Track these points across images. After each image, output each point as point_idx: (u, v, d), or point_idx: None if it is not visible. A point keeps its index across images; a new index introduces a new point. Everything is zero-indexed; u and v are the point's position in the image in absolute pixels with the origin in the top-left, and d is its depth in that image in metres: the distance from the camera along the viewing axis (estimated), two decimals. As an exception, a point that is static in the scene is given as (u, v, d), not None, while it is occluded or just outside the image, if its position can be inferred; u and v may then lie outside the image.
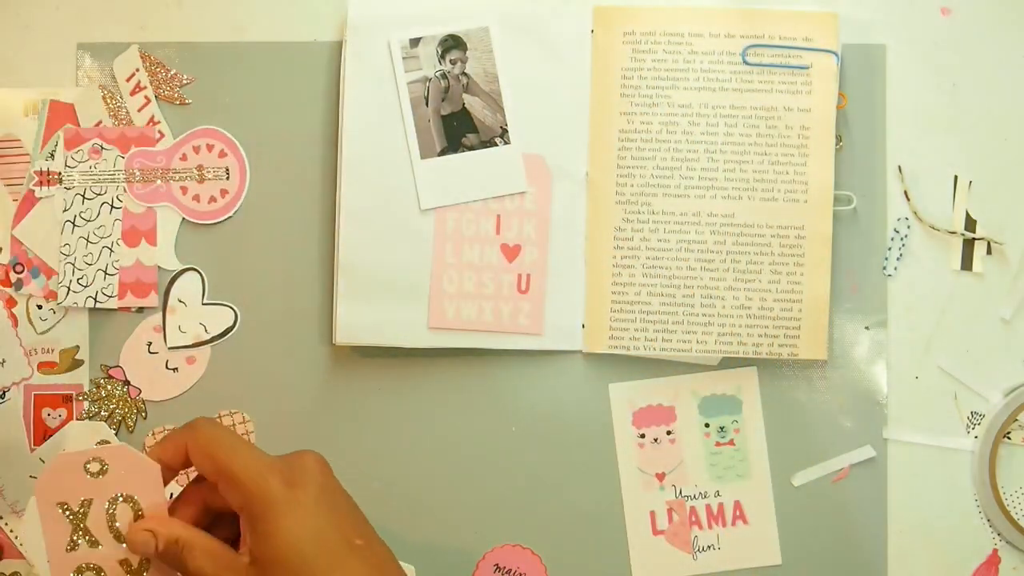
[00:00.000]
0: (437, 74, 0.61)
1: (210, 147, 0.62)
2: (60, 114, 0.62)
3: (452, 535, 0.62)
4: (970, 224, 0.62)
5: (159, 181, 0.62)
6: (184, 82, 0.63)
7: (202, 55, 0.63)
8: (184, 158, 0.62)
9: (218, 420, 0.51)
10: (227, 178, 0.62)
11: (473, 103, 0.60)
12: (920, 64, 0.63)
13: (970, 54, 0.63)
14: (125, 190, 0.62)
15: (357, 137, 0.61)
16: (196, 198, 0.62)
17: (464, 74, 0.61)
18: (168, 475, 0.48)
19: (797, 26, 0.61)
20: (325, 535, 0.46)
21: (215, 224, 0.62)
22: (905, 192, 0.62)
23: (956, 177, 0.62)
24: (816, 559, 0.62)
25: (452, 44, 0.61)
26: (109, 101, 0.62)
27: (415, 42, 0.61)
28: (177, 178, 0.62)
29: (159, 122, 0.62)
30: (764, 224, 0.60)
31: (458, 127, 0.61)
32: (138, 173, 0.61)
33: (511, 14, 0.61)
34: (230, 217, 0.62)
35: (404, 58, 0.61)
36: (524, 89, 0.61)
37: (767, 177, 0.60)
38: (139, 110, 0.62)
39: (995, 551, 0.62)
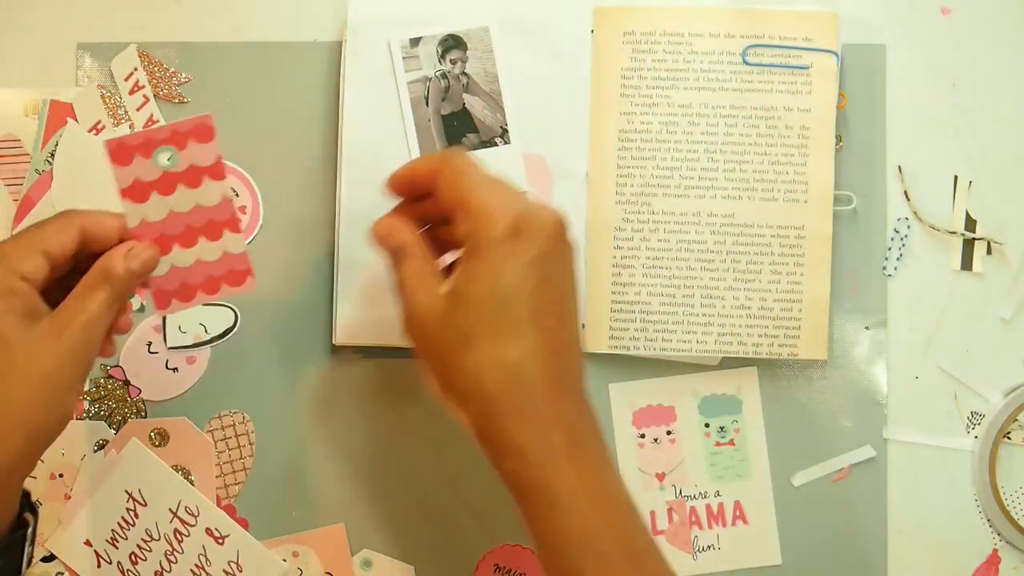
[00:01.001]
0: (437, 74, 0.61)
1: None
2: (60, 114, 0.62)
3: (452, 535, 0.62)
4: (970, 224, 0.62)
5: None
6: (183, 81, 0.63)
7: (201, 55, 0.62)
8: None
9: (468, 155, 0.50)
10: (236, 196, 0.62)
11: (473, 103, 0.60)
12: (920, 64, 0.63)
13: (970, 54, 0.63)
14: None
15: (357, 137, 0.61)
16: None
17: (464, 74, 0.61)
18: (404, 194, 0.51)
19: (797, 26, 0.61)
20: (520, 297, 0.46)
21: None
22: (905, 192, 0.62)
23: (956, 177, 0.62)
24: (816, 559, 0.62)
25: (452, 44, 0.61)
26: (108, 100, 0.63)
27: (415, 42, 0.61)
28: None
29: (158, 121, 0.62)
30: (764, 224, 0.60)
31: (458, 127, 0.61)
32: None
33: (511, 14, 0.61)
34: (230, 217, 0.62)
35: (404, 58, 0.61)
36: (524, 89, 0.61)
37: (767, 177, 0.60)
38: (138, 109, 0.63)
39: (995, 551, 0.62)
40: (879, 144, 0.62)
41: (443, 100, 0.61)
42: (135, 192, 0.50)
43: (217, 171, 0.51)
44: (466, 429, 0.48)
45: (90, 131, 0.62)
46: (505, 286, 0.46)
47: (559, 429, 0.46)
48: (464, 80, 0.61)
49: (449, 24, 0.61)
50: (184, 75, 0.63)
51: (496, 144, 0.61)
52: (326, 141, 0.62)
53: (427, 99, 0.61)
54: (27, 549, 0.48)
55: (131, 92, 0.63)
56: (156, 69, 0.63)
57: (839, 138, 0.62)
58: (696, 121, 0.61)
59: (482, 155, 0.61)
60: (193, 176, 0.51)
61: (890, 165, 0.62)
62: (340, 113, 0.61)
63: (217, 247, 0.52)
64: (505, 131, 0.61)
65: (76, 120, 0.62)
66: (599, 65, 0.61)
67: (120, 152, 0.49)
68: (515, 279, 0.46)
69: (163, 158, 0.50)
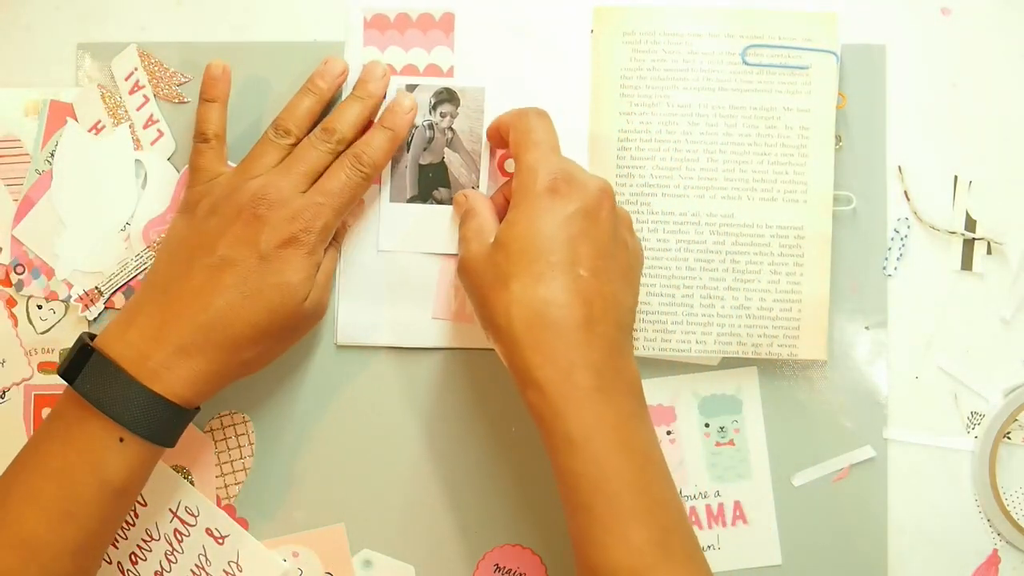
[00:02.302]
0: (425, 123, 0.61)
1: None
2: (60, 114, 0.62)
3: (452, 535, 0.62)
4: (970, 224, 0.62)
5: None
6: (183, 81, 0.63)
7: (201, 55, 0.62)
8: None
9: (547, 116, 0.55)
10: None
11: (452, 159, 0.61)
12: (920, 64, 0.63)
13: (970, 54, 0.63)
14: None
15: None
16: None
17: (451, 128, 0.61)
18: (498, 145, 0.59)
19: (797, 26, 0.61)
20: (554, 245, 0.50)
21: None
22: (905, 192, 0.62)
23: (956, 177, 0.62)
24: (816, 559, 0.62)
25: (446, 97, 0.61)
26: (108, 100, 0.63)
27: (411, 88, 0.61)
28: None
29: (158, 120, 0.62)
30: (763, 224, 0.60)
31: (432, 178, 0.61)
32: (158, 240, 0.62)
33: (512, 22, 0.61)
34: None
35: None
36: (524, 88, 0.61)
37: (767, 177, 0.60)
38: (138, 109, 0.63)
39: (995, 551, 0.62)
40: (879, 144, 0.62)
41: (424, 150, 0.61)
42: (378, 37, 0.58)
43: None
44: (502, 360, 0.52)
45: (90, 131, 0.62)
46: (541, 234, 0.50)
47: (584, 371, 0.49)
48: (449, 135, 0.61)
49: (463, 78, 0.61)
50: (184, 75, 0.63)
51: None
52: (326, 141, 0.62)
53: (409, 144, 0.61)
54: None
55: (131, 92, 0.63)
56: (156, 69, 0.63)
57: (839, 138, 0.62)
58: (696, 121, 0.61)
59: (448, 211, 0.61)
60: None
61: (890, 165, 0.62)
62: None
63: None
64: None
65: (76, 120, 0.62)
66: (599, 65, 0.61)
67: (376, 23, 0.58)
68: (551, 229, 0.50)
69: (406, 50, 0.58)
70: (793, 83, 0.61)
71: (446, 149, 0.61)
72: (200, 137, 0.58)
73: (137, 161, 0.63)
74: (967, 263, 0.62)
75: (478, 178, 0.61)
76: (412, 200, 0.61)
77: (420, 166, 0.61)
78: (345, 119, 0.57)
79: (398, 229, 0.61)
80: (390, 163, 0.61)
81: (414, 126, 0.60)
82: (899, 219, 0.62)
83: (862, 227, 0.62)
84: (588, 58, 0.62)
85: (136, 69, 0.63)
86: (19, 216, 0.62)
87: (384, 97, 0.59)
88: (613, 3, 0.62)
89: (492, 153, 0.61)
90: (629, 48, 0.61)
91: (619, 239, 0.53)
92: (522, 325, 0.49)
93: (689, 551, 0.49)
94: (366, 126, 0.59)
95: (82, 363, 0.51)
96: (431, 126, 0.61)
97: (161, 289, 0.54)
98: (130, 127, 0.63)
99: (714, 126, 0.61)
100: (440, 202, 0.61)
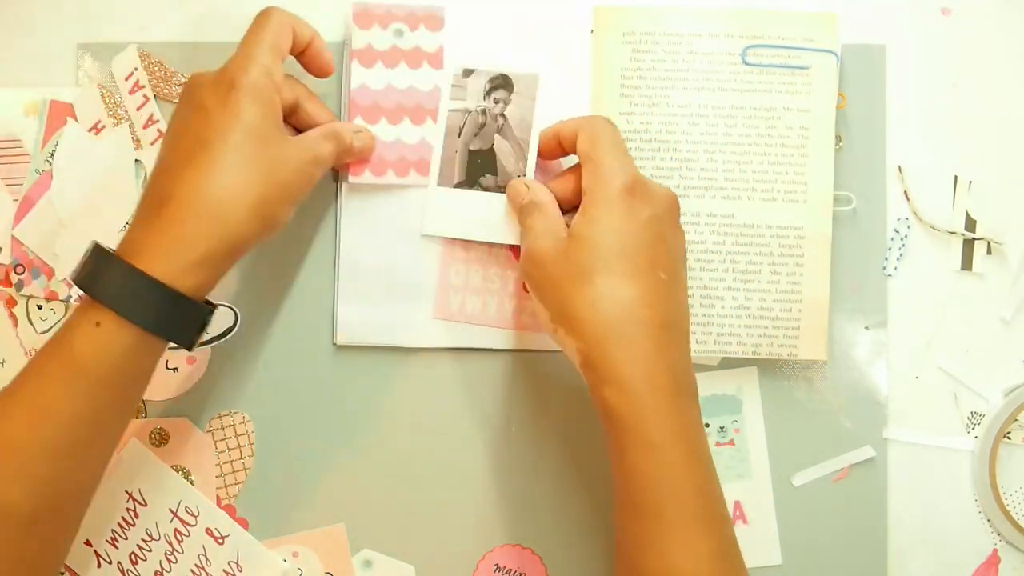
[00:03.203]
0: (478, 109, 0.61)
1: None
2: (60, 114, 0.62)
3: (452, 535, 0.62)
4: (970, 224, 0.62)
5: None
6: (183, 81, 0.63)
7: (201, 55, 0.62)
8: None
9: (612, 123, 0.55)
10: None
11: (502, 146, 0.60)
12: (920, 64, 0.63)
13: (970, 54, 0.63)
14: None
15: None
16: None
17: (503, 115, 0.61)
18: (550, 152, 0.59)
19: (797, 26, 0.61)
20: (639, 247, 0.51)
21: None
22: (905, 192, 0.62)
23: (956, 177, 0.62)
24: (816, 559, 0.62)
25: (500, 83, 0.61)
26: (108, 100, 0.63)
27: (468, 72, 0.61)
28: None
29: (158, 120, 0.62)
30: (763, 224, 0.60)
31: (481, 164, 0.61)
32: None
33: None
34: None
35: (453, 86, 0.61)
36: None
37: (767, 177, 0.60)
38: (138, 109, 0.63)
39: (995, 551, 0.62)
40: (879, 144, 0.62)
41: (475, 135, 0.61)
42: (364, 56, 0.57)
43: (437, 60, 0.57)
44: (571, 356, 0.52)
45: (90, 131, 0.62)
46: (625, 233, 0.51)
47: (665, 372, 0.49)
48: (500, 122, 0.61)
49: (501, 63, 0.61)
50: (184, 75, 0.63)
51: None
52: (326, 141, 0.62)
53: (461, 130, 0.61)
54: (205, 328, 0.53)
55: (131, 92, 0.63)
56: (156, 69, 0.63)
57: (839, 138, 0.62)
58: (695, 121, 0.61)
59: (495, 198, 0.61)
60: (415, 58, 0.58)
61: (890, 165, 0.62)
62: (341, 114, 0.61)
63: (418, 132, 0.59)
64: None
65: (76, 120, 0.62)
66: (599, 65, 0.61)
67: (363, 16, 0.57)
68: (634, 229, 0.51)
69: (395, 32, 0.57)
70: (793, 83, 0.61)
71: (496, 136, 0.61)
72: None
73: (137, 161, 0.63)
74: (967, 263, 0.62)
75: (525, 167, 0.61)
76: (459, 185, 0.61)
77: (470, 152, 0.61)
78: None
79: (443, 214, 0.61)
80: (440, 148, 0.60)
81: (467, 111, 0.60)
82: (899, 219, 0.62)
83: (862, 227, 0.62)
84: (588, 58, 0.62)
85: (136, 69, 0.63)
86: (19, 216, 0.62)
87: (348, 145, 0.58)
88: (613, 3, 0.62)
89: (539, 152, 0.60)
90: (629, 48, 0.61)
91: (682, 252, 0.54)
92: (609, 321, 0.49)
93: (741, 567, 0.50)
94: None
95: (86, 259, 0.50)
96: (484, 112, 0.61)
97: (146, 184, 0.53)
98: (130, 127, 0.63)
99: (714, 126, 0.61)
100: (486, 189, 0.61)
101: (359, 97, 0.60)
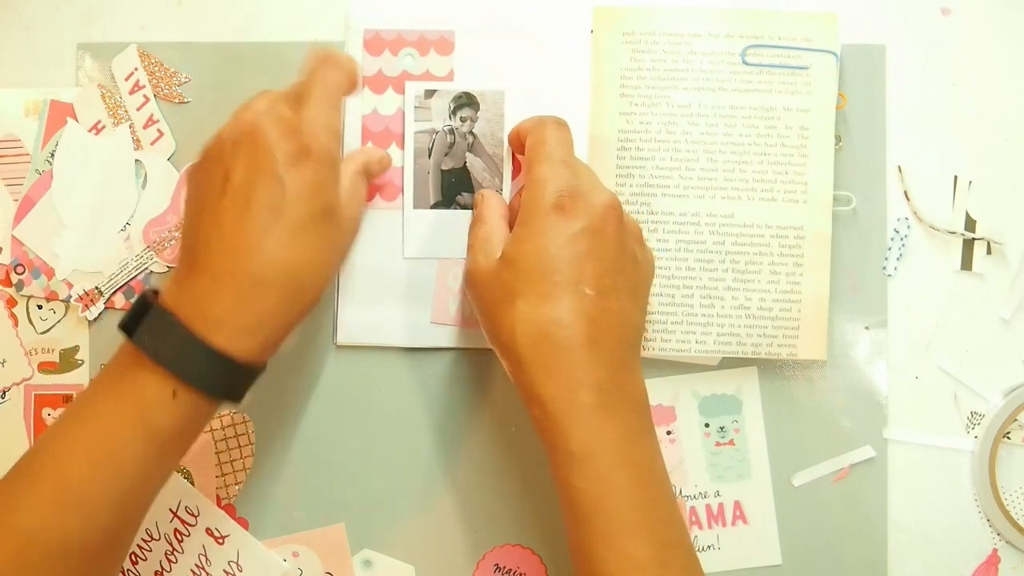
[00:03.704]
0: (445, 128, 0.61)
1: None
2: (60, 114, 0.62)
3: (452, 535, 0.62)
4: (970, 224, 0.62)
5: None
6: (183, 81, 0.63)
7: (201, 55, 0.63)
8: None
9: (564, 126, 0.55)
10: None
11: (475, 163, 0.60)
12: (920, 64, 0.63)
13: (970, 54, 0.63)
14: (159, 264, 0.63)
15: (356, 138, 0.61)
16: None
17: (471, 133, 0.61)
18: (519, 150, 0.57)
19: (796, 26, 0.61)
20: (560, 265, 0.50)
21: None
22: (905, 192, 0.62)
23: (956, 177, 0.62)
24: (816, 559, 0.62)
25: (465, 102, 0.61)
26: (108, 100, 0.63)
27: (429, 94, 0.61)
28: None
29: (158, 120, 0.62)
30: (763, 224, 0.60)
31: (455, 183, 0.61)
32: (166, 243, 0.62)
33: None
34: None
35: (416, 107, 0.61)
36: (522, 87, 0.61)
37: (766, 177, 0.60)
38: (138, 109, 0.63)
39: (995, 551, 0.62)
40: (879, 144, 0.62)
41: (445, 155, 0.61)
42: (376, 82, 0.57)
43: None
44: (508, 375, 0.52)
45: (90, 131, 0.62)
46: (547, 253, 0.50)
47: (587, 389, 0.49)
48: (470, 139, 0.61)
49: (464, 82, 0.61)
50: (184, 75, 0.63)
51: None
52: (326, 141, 0.62)
53: (431, 151, 0.61)
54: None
55: (131, 92, 0.63)
56: (156, 69, 0.63)
57: (839, 138, 0.62)
58: (695, 121, 0.61)
59: (469, 215, 0.61)
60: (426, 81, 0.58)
61: (890, 165, 0.62)
62: (340, 114, 0.61)
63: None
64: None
65: (76, 120, 0.62)
66: (598, 65, 0.61)
67: (375, 43, 0.57)
68: (556, 248, 0.50)
69: (407, 58, 0.57)
70: (793, 83, 0.61)
71: (468, 154, 0.61)
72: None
73: (137, 161, 0.63)
74: (967, 263, 0.62)
75: (501, 181, 0.61)
76: (436, 206, 0.61)
77: (442, 171, 0.61)
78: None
79: (423, 235, 0.61)
80: (412, 170, 0.61)
81: (434, 131, 0.61)
82: (899, 219, 0.62)
83: (862, 227, 0.62)
84: (588, 58, 0.62)
85: (136, 69, 0.63)
86: (19, 216, 0.62)
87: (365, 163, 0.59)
88: (613, 3, 0.62)
89: (514, 157, 0.61)
90: (629, 48, 0.61)
91: (627, 254, 0.53)
92: (527, 344, 0.49)
93: (688, 567, 0.49)
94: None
95: (141, 315, 0.49)
96: (451, 131, 0.61)
97: (199, 237, 0.50)
98: (130, 127, 0.63)
99: (714, 126, 0.61)
100: (464, 207, 0.61)
101: (373, 123, 0.61)
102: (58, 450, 0.49)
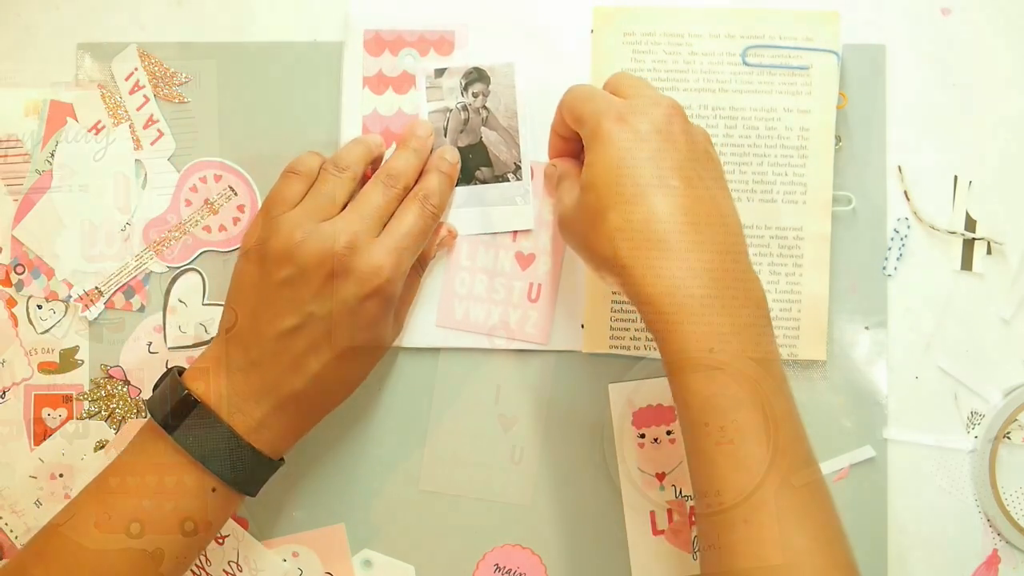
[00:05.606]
0: (458, 106, 0.61)
1: (203, 179, 0.62)
2: (60, 114, 0.62)
3: (452, 535, 0.62)
4: (970, 224, 0.62)
5: (183, 236, 0.62)
6: (183, 81, 0.63)
7: (201, 55, 0.62)
8: (188, 203, 0.62)
9: (575, 87, 0.55)
10: (236, 195, 0.62)
11: (490, 137, 0.60)
12: (920, 64, 0.63)
13: (970, 54, 0.63)
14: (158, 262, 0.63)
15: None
16: (222, 228, 0.62)
17: (484, 107, 0.61)
18: (562, 145, 0.58)
19: (797, 26, 0.61)
20: (636, 167, 0.50)
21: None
22: (905, 192, 0.62)
23: (956, 177, 0.62)
24: (816, 559, 0.62)
25: (476, 77, 0.61)
26: (108, 100, 0.63)
27: (439, 72, 0.61)
28: (195, 224, 0.62)
29: (158, 120, 0.62)
30: (763, 225, 0.60)
31: (473, 159, 0.61)
32: (158, 239, 0.62)
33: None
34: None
35: (428, 87, 0.61)
36: (523, 89, 0.61)
37: (766, 179, 0.60)
38: (138, 109, 0.63)
39: (995, 551, 0.62)
40: (879, 144, 0.62)
41: (461, 132, 0.61)
42: (375, 83, 0.58)
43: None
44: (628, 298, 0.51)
45: (90, 131, 0.62)
46: (621, 162, 0.50)
47: (696, 278, 0.48)
48: (484, 114, 0.61)
49: (474, 57, 0.61)
50: (184, 75, 0.63)
51: (508, 180, 0.61)
52: (326, 141, 0.62)
53: (446, 130, 0.61)
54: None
55: (131, 92, 0.63)
56: (156, 69, 0.63)
57: (839, 138, 0.62)
58: (696, 122, 0.61)
59: (493, 189, 0.61)
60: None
61: (890, 165, 0.62)
62: (340, 115, 0.61)
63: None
64: (518, 167, 0.61)
65: (76, 120, 0.62)
66: (599, 65, 0.61)
67: (375, 43, 0.58)
68: (627, 152, 0.50)
69: (407, 59, 0.57)
70: (793, 84, 0.61)
71: (483, 128, 0.61)
72: (332, 164, 0.58)
73: (137, 161, 0.63)
74: (967, 263, 0.62)
75: (518, 152, 0.61)
76: (456, 184, 0.61)
77: (460, 149, 0.61)
78: (404, 166, 0.58)
79: (446, 214, 0.61)
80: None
81: (448, 110, 0.61)
82: (899, 219, 0.62)
83: (862, 227, 0.62)
84: (588, 58, 0.62)
85: (136, 69, 0.63)
86: (19, 216, 0.62)
87: (431, 150, 0.60)
88: (613, 3, 0.62)
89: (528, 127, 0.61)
90: (629, 48, 0.61)
91: (700, 149, 0.52)
92: (628, 248, 0.49)
93: (804, 468, 0.48)
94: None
95: (182, 413, 0.53)
96: (465, 107, 0.61)
97: (251, 345, 0.54)
98: (130, 127, 0.63)
99: (714, 127, 0.61)
100: (483, 182, 0.61)
101: (372, 123, 0.61)
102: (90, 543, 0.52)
